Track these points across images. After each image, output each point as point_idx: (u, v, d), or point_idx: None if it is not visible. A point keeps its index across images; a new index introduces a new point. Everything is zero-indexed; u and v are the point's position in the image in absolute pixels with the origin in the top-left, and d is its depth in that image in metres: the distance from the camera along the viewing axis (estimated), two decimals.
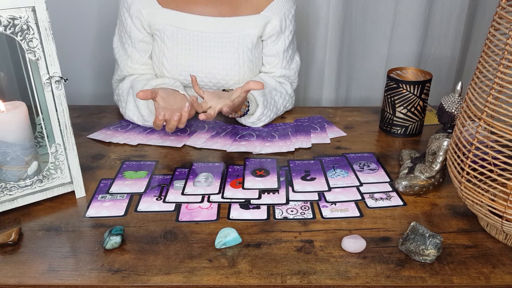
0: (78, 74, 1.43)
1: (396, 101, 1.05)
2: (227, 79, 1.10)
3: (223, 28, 1.09)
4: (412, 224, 0.72)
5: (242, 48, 1.10)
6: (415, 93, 1.02)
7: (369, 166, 0.95)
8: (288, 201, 0.83)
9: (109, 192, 0.86)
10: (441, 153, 0.83)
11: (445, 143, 0.82)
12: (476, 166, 0.69)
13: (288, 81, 1.19)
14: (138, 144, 1.03)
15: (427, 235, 0.69)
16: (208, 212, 0.80)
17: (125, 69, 1.13)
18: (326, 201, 0.83)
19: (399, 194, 0.86)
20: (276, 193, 0.86)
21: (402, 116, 1.06)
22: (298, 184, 0.88)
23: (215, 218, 0.79)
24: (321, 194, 0.86)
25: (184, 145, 1.03)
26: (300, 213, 0.80)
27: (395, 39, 1.44)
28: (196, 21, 1.08)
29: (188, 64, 1.09)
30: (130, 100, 1.08)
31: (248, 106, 1.06)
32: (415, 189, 0.85)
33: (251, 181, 0.89)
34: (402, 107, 1.05)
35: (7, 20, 0.69)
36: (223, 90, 1.09)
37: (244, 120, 1.09)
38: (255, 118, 1.08)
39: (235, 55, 1.10)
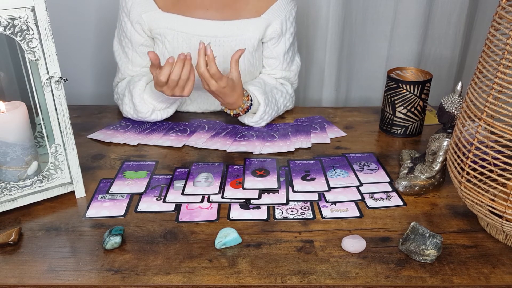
0: (78, 74, 1.43)
1: (396, 101, 1.05)
2: None
3: (224, 32, 1.08)
4: (412, 224, 0.72)
5: None
6: (415, 93, 1.02)
7: (369, 166, 0.95)
8: (288, 201, 0.83)
9: (109, 192, 0.86)
10: (441, 153, 0.83)
11: (445, 143, 0.82)
12: (476, 166, 0.69)
13: (289, 82, 1.19)
14: (138, 144, 1.03)
15: (427, 235, 0.69)
16: (208, 212, 0.80)
17: (126, 72, 1.13)
18: (326, 201, 0.83)
19: (399, 194, 0.86)
20: (276, 193, 0.86)
21: (402, 116, 1.06)
22: (298, 184, 0.88)
23: (215, 218, 0.79)
24: (321, 194, 0.86)
25: (184, 145, 1.03)
26: (300, 213, 0.80)
27: (395, 39, 1.44)
28: (197, 25, 1.08)
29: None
30: (126, 94, 1.08)
31: (251, 100, 1.05)
32: (415, 189, 0.85)
33: (251, 181, 0.89)
34: (402, 107, 1.05)
35: (7, 21, 0.69)
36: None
37: (247, 120, 1.09)
38: (258, 117, 1.08)
39: None
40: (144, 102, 1.05)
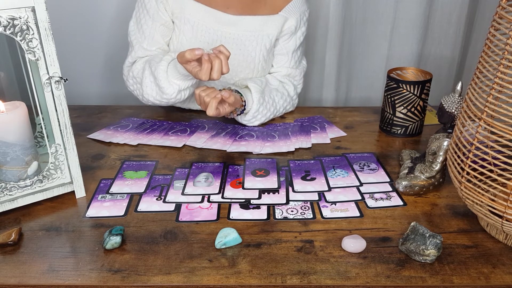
0: (78, 74, 1.43)
1: (396, 101, 1.05)
2: (240, 76, 1.12)
3: (244, 27, 1.10)
4: (412, 224, 0.72)
5: (260, 47, 1.11)
6: (415, 93, 1.02)
7: (369, 166, 0.95)
8: (288, 201, 0.83)
9: (109, 192, 0.86)
10: (441, 153, 0.83)
11: (445, 143, 0.82)
12: (476, 166, 0.69)
13: (292, 82, 1.18)
14: (138, 144, 1.03)
15: (427, 235, 0.69)
16: (208, 212, 0.80)
17: (139, 51, 1.11)
18: (326, 201, 0.83)
19: (399, 194, 0.86)
20: (276, 193, 0.86)
21: (402, 116, 1.06)
22: (298, 184, 0.88)
23: (215, 218, 0.79)
24: (321, 194, 0.86)
25: (184, 145, 1.03)
26: (300, 213, 0.80)
27: (395, 39, 1.44)
28: (218, 17, 1.09)
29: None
30: (146, 75, 1.05)
31: (244, 106, 1.06)
32: (415, 189, 0.85)
33: (251, 181, 0.89)
34: (402, 107, 1.05)
35: (7, 21, 0.69)
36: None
37: (240, 118, 1.10)
38: (251, 116, 1.08)
39: (252, 53, 1.11)
40: (170, 84, 1.03)
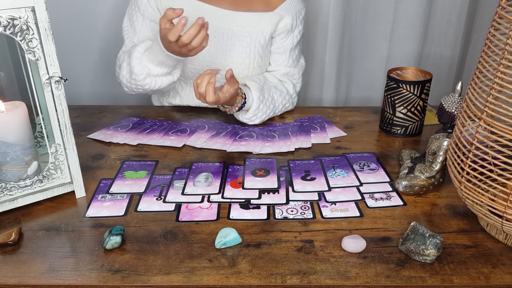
0: (78, 74, 1.43)
1: (396, 101, 1.05)
2: (236, 72, 1.11)
3: (238, 22, 1.10)
4: (412, 224, 0.72)
5: (254, 44, 1.12)
6: (415, 93, 1.02)
7: (369, 166, 0.95)
8: (288, 201, 0.83)
9: (109, 192, 0.86)
10: (441, 153, 0.83)
11: (445, 143, 0.82)
12: (476, 166, 0.69)
13: (291, 80, 1.19)
14: (138, 144, 1.03)
15: (427, 235, 0.69)
16: (208, 212, 0.80)
17: (129, 45, 1.12)
18: (326, 201, 0.83)
19: (399, 194, 0.86)
20: (276, 193, 0.86)
21: (402, 116, 1.06)
22: (298, 184, 0.88)
23: (215, 218, 0.79)
24: (321, 194, 0.86)
25: (184, 145, 1.03)
26: (300, 213, 0.80)
27: (395, 39, 1.44)
28: (212, 12, 1.09)
29: (198, 55, 1.08)
30: (126, 59, 1.07)
31: (245, 98, 1.05)
32: (415, 189, 0.85)
33: (251, 181, 0.89)
34: (402, 107, 1.05)
35: (7, 21, 0.69)
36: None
37: (240, 116, 1.09)
38: (251, 114, 1.08)
39: (247, 49, 1.11)
40: (140, 64, 1.03)
